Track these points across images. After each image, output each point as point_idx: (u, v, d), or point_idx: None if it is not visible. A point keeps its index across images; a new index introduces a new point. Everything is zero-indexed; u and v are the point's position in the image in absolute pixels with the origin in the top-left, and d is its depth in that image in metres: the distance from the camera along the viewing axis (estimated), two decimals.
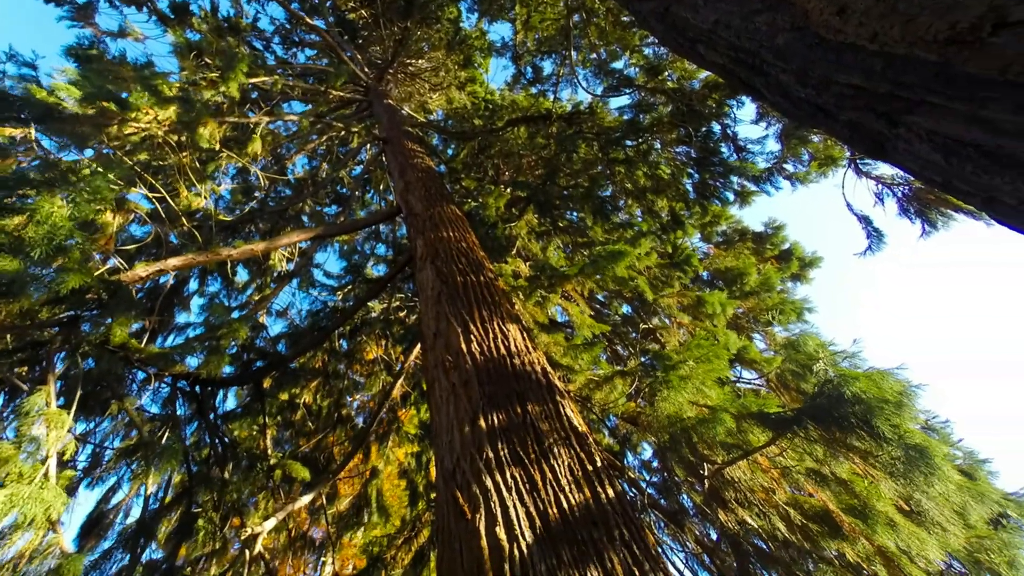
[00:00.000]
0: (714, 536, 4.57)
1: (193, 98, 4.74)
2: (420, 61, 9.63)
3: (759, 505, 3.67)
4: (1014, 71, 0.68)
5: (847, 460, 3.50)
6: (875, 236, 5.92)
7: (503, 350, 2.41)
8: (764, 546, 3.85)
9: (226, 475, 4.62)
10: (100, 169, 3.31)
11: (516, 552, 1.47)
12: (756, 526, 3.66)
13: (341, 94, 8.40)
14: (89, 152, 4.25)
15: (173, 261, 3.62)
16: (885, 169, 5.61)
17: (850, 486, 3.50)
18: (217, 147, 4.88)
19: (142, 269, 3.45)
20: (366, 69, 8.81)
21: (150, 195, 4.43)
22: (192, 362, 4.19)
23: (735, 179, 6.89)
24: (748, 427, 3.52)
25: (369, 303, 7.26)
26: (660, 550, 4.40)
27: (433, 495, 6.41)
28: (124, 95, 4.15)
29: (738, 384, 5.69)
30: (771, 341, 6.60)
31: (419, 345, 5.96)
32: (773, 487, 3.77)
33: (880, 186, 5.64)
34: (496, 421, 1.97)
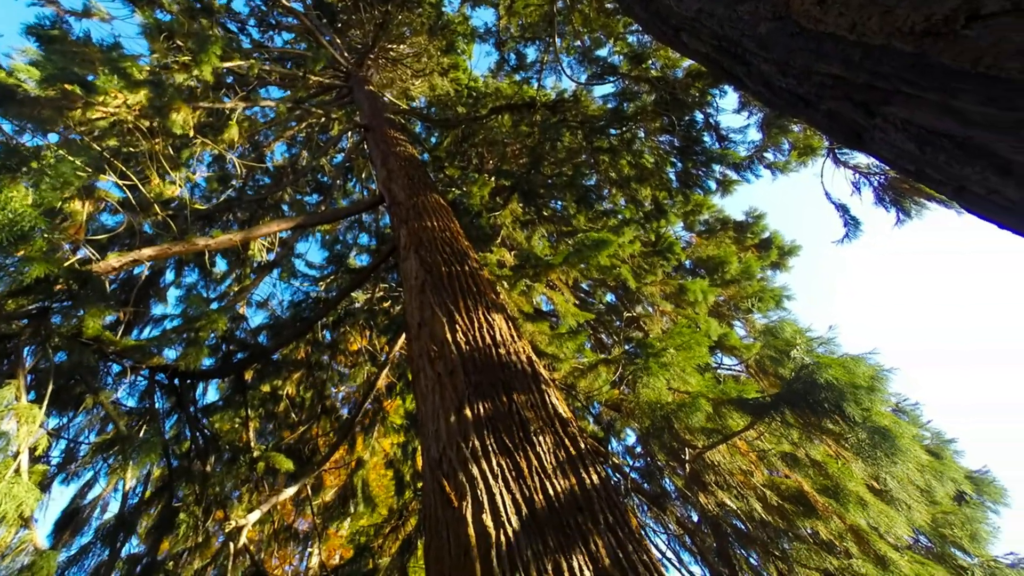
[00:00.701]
0: (695, 518, 4.71)
1: (164, 82, 4.57)
2: (402, 46, 9.42)
3: (738, 487, 3.78)
4: (985, 63, 0.70)
5: (822, 443, 3.63)
6: (852, 224, 6.06)
7: (488, 339, 2.41)
8: (743, 526, 3.98)
9: (208, 468, 4.56)
10: (66, 155, 3.17)
11: (503, 538, 1.48)
12: (735, 507, 3.78)
13: (320, 79, 8.18)
14: (55, 137, 4.07)
15: (147, 251, 3.51)
16: (862, 159, 5.73)
17: (824, 467, 3.63)
18: (191, 133, 4.72)
19: (115, 259, 3.34)
20: (346, 54, 8.58)
21: (121, 183, 4.27)
22: (170, 354, 4.10)
23: (717, 168, 6.95)
24: (728, 412, 3.61)
25: (353, 293, 7.16)
26: (643, 533, 4.51)
27: (419, 484, 6.43)
28: (91, 77, 3.97)
29: (719, 370, 5.82)
30: (751, 328, 6.75)
31: (404, 335, 5.92)
32: (751, 470, 3.89)
33: (857, 175, 5.77)
34: (482, 410, 1.98)
